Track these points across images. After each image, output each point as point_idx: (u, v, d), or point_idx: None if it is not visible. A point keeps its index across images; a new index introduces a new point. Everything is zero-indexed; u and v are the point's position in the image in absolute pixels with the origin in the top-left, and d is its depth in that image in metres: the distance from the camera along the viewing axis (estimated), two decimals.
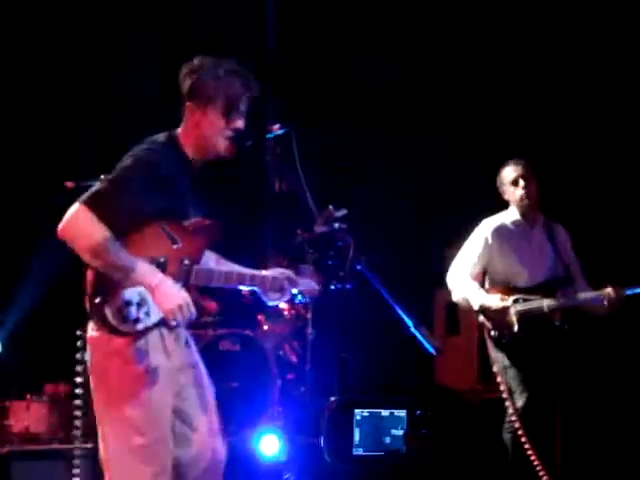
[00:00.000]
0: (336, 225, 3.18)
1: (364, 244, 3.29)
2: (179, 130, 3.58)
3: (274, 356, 6.71)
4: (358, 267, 3.10)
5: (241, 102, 3.52)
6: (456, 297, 5.72)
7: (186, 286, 3.47)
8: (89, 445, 5.37)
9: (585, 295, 5.56)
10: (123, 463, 3.42)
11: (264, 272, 3.79)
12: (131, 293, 3.33)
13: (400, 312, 2.98)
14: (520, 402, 5.40)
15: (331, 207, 3.23)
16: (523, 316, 5.46)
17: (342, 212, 3.21)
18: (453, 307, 8.14)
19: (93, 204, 3.27)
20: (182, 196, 3.49)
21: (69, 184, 5.75)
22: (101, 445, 3.49)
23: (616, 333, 6.61)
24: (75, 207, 3.28)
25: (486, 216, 5.83)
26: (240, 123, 3.52)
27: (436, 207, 8.15)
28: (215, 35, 6.92)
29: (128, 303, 3.32)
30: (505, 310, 5.47)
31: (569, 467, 5.63)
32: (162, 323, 3.43)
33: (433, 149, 8.11)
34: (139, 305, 3.34)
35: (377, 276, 3.06)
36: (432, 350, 2.95)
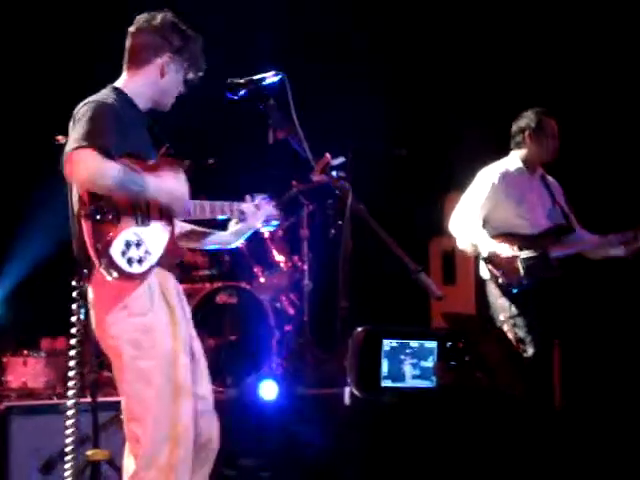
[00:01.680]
0: (334, 173, 3.14)
1: (361, 192, 3.25)
2: (122, 84, 3.63)
3: (271, 308, 6.71)
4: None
5: (201, 70, 3.69)
6: (462, 243, 5.70)
7: (171, 222, 3.53)
8: (87, 399, 5.36)
9: (609, 237, 5.64)
10: (144, 415, 3.43)
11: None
12: (127, 234, 3.34)
13: (401, 258, 2.95)
14: (530, 351, 5.42)
15: (328, 155, 3.19)
16: (531, 264, 5.48)
17: (339, 160, 3.17)
18: (449, 256, 8.18)
19: (92, 143, 3.26)
20: (142, 141, 3.55)
21: (60, 138, 5.70)
22: (122, 400, 3.53)
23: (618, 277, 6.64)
24: (78, 151, 3.26)
25: (479, 166, 5.84)
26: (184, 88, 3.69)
27: (431, 155, 8.13)
28: None
29: (128, 244, 3.33)
30: (514, 258, 5.49)
31: (569, 409, 5.68)
32: (161, 263, 3.46)
33: (430, 96, 8.07)
34: (138, 245, 3.35)
35: (377, 223, 3.03)
36: (435, 296, 2.93)
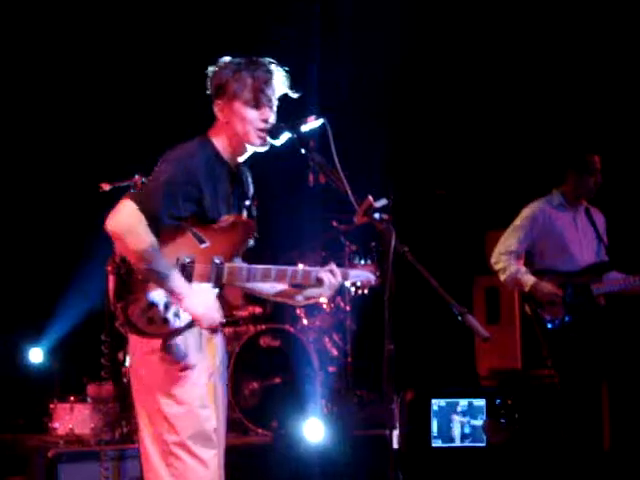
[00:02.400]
0: (376, 215, 3.13)
1: (405, 234, 3.24)
2: (210, 133, 3.55)
3: (315, 350, 6.69)
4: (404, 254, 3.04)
5: (265, 90, 3.47)
6: (504, 276, 5.68)
7: (219, 285, 3.45)
8: (135, 445, 5.38)
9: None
10: (159, 461, 3.42)
11: (304, 267, 3.73)
12: (156, 295, 3.32)
13: (446, 299, 2.93)
14: (576, 390, 5.37)
15: (370, 197, 3.18)
16: (573, 300, 5.44)
17: (382, 202, 3.16)
18: (493, 295, 8.11)
19: (142, 204, 3.27)
20: (215, 197, 3.46)
21: (104, 185, 5.78)
22: (140, 444, 3.51)
23: None
24: (125, 204, 3.28)
25: (521, 203, 5.85)
26: (268, 112, 3.48)
27: (474, 195, 8.12)
28: None
29: (152, 305, 3.31)
30: (556, 294, 5.45)
31: (618, 449, 5.58)
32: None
33: (469, 137, 8.08)
34: (166, 306, 3.33)
35: (421, 265, 3.01)
36: (482, 337, 2.90)
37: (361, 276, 3.75)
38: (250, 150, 3.55)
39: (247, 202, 3.68)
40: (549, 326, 5.47)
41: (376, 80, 7.51)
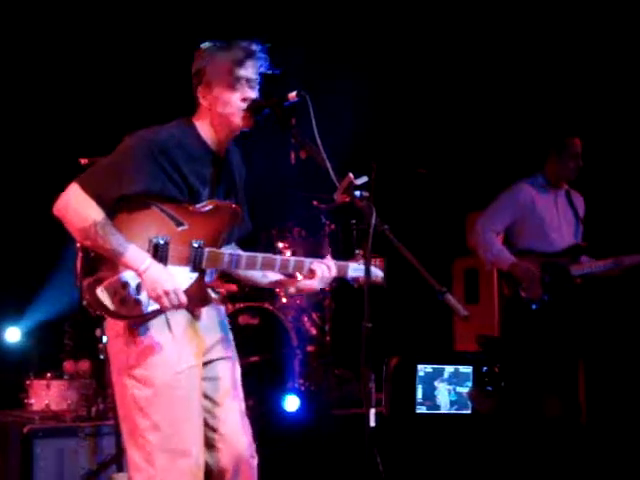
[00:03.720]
0: (357, 193, 3.11)
1: (384, 212, 3.22)
2: (194, 117, 3.51)
3: (294, 329, 6.68)
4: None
5: (241, 69, 3.42)
6: (484, 254, 5.70)
7: (198, 270, 3.39)
8: (110, 422, 5.37)
9: (623, 259, 5.66)
10: (135, 445, 3.35)
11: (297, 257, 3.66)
12: (129, 274, 3.26)
13: (426, 278, 2.92)
14: (546, 365, 5.41)
15: (351, 175, 3.15)
16: (552, 280, 5.48)
17: (362, 179, 3.13)
18: (472, 276, 8.14)
19: (87, 183, 3.24)
20: (193, 179, 3.40)
21: (83, 160, 5.71)
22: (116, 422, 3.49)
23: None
24: (70, 186, 3.26)
25: (502, 185, 5.87)
26: (248, 91, 3.43)
27: (456, 176, 8.12)
28: None
29: (125, 285, 3.26)
30: (535, 274, 5.48)
31: (594, 424, 5.64)
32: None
33: (451, 117, 8.07)
34: (139, 287, 3.27)
35: (401, 243, 3.00)
36: (461, 316, 2.89)
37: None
38: (233, 131, 3.50)
39: (235, 188, 3.62)
40: (533, 307, 5.50)
41: (358, 58, 7.47)
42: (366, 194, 3.10)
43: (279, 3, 7.39)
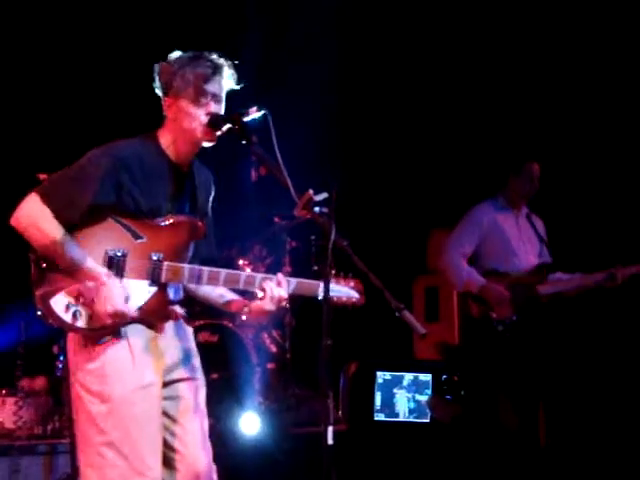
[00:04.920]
0: (317, 209, 3.10)
1: (345, 229, 3.21)
2: (157, 131, 3.50)
3: (253, 346, 6.65)
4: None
5: (208, 84, 3.41)
6: (452, 278, 5.72)
7: (157, 284, 3.36)
8: (67, 440, 5.29)
9: (592, 276, 5.71)
10: (89, 462, 3.28)
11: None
12: (83, 287, 3.23)
13: (385, 295, 2.91)
14: (516, 388, 5.43)
15: (311, 191, 3.15)
16: (520, 300, 5.51)
17: (322, 196, 3.13)
18: (433, 294, 8.15)
19: (46, 194, 3.23)
20: (152, 193, 3.38)
21: (42, 176, 5.65)
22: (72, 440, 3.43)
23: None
24: (28, 198, 3.24)
25: (465, 204, 5.90)
26: (213, 106, 3.43)
27: (417, 194, 8.14)
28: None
29: (78, 297, 3.23)
30: (504, 295, 5.51)
31: (553, 446, 5.67)
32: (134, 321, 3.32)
33: (414, 135, 8.10)
34: (92, 300, 3.23)
35: (360, 260, 2.99)
36: (419, 333, 2.88)
37: (341, 292, 3.58)
38: (195, 145, 3.48)
39: (199, 203, 3.59)
40: (499, 328, 5.52)
41: (320, 74, 7.48)
42: (325, 210, 3.09)
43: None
